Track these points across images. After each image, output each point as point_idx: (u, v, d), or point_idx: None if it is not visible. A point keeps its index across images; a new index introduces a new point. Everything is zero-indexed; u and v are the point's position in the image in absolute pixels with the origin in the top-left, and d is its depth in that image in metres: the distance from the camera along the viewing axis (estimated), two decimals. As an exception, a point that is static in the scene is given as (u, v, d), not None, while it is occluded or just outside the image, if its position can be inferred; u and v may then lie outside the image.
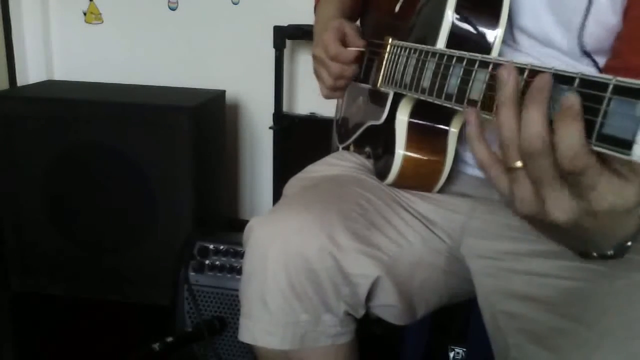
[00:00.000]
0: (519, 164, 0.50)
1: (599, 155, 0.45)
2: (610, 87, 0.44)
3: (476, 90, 0.58)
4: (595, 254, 0.57)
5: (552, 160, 0.47)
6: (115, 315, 1.73)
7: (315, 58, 0.95)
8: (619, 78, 0.43)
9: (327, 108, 1.21)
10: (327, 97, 0.97)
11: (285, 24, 1.82)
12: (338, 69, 0.91)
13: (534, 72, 0.51)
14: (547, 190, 0.49)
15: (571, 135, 0.45)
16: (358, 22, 1.09)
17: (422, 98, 0.71)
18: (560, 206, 0.48)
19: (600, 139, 0.44)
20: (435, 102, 0.67)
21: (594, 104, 0.45)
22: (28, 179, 1.72)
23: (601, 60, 0.78)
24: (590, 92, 0.45)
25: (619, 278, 0.66)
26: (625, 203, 0.47)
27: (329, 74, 0.93)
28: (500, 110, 0.50)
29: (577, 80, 0.47)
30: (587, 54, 0.77)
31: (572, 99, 0.45)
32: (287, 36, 1.84)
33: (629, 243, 0.55)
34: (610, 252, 0.56)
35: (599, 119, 0.44)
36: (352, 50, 0.90)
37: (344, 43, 0.91)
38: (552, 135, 0.46)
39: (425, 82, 0.70)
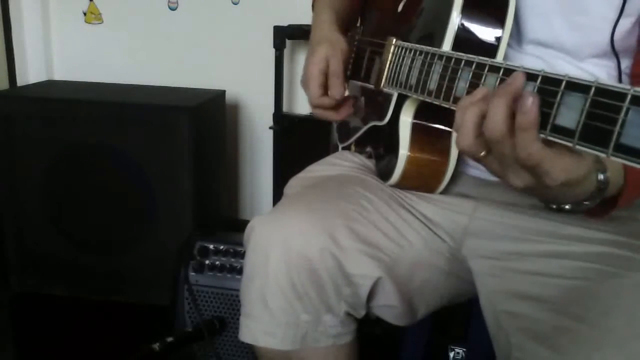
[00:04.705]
0: (483, 153, 0.58)
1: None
2: (629, 97, 0.43)
3: None
4: (554, 207, 0.69)
5: (509, 147, 0.54)
6: (115, 315, 1.73)
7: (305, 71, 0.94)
8: (637, 88, 0.43)
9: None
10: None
11: (285, 24, 1.82)
12: (321, 113, 0.93)
13: (547, 79, 0.51)
14: (507, 168, 0.57)
15: (525, 140, 0.51)
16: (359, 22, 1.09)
17: (428, 100, 0.70)
18: (519, 180, 0.57)
19: (617, 149, 0.44)
20: (443, 104, 0.66)
21: (611, 113, 0.44)
22: (28, 179, 1.72)
23: (624, 61, 0.77)
24: (607, 101, 0.44)
25: (621, 277, 0.67)
26: (578, 176, 0.56)
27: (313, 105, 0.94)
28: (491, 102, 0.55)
29: (592, 90, 0.46)
30: (615, 53, 0.76)
31: (529, 103, 0.50)
32: (287, 36, 1.84)
33: (587, 202, 0.64)
34: (567, 207, 0.67)
35: (617, 129, 0.43)
36: (331, 100, 0.90)
37: (326, 82, 0.90)
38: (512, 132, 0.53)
39: (432, 85, 0.69)
